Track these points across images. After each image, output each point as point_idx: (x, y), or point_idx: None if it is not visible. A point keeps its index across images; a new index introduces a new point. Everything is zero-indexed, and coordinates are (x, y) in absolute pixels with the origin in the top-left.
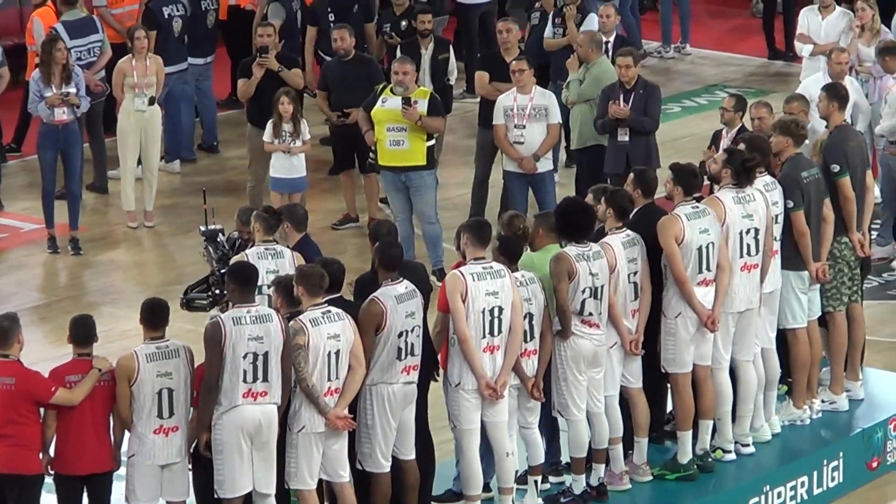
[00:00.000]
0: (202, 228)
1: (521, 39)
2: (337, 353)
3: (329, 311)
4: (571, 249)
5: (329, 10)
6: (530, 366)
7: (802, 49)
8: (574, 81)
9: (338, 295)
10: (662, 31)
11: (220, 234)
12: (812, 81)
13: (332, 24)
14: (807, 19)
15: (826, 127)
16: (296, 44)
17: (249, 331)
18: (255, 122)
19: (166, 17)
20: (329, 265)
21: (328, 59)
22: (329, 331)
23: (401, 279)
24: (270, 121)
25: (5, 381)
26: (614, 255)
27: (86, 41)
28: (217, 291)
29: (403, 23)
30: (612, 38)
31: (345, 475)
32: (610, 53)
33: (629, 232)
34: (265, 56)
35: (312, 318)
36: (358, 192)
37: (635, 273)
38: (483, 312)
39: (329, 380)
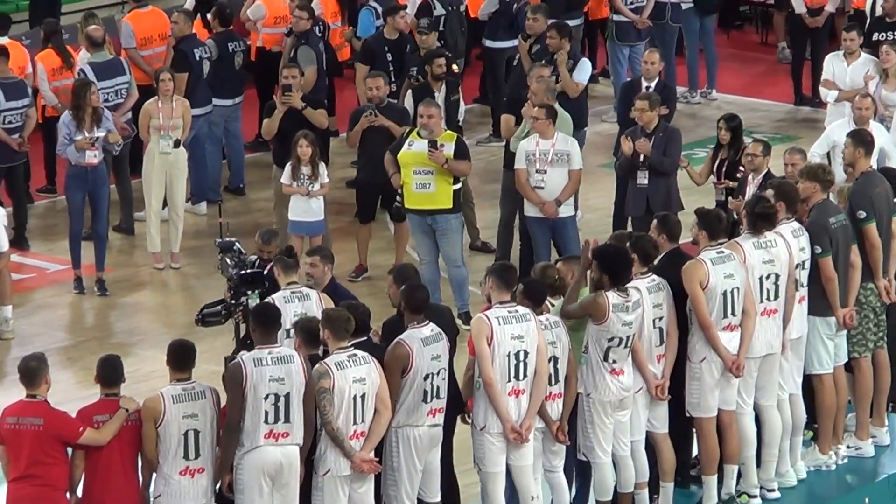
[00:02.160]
0: (217, 240)
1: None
2: (363, 396)
3: (355, 355)
4: (613, 297)
5: (386, 49)
6: (555, 409)
7: (827, 95)
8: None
9: (364, 338)
10: (689, 76)
11: (237, 244)
12: (836, 128)
13: (389, 64)
14: (832, 65)
15: (847, 173)
16: (322, 85)
17: (271, 372)
18: (280, 163)
19: (197, 58)
20: (355, 309)
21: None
22: (354, 374)
23: (427, 322)
24: (289, 163)
25: (33, 421)
26: (642, 300)
27: (113, 83)
28: (232, 301)
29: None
30: (653, 84)
31: None
32: None
33: (654, 277)
34: (288, 94)
35: (338, 361)
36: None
37: (661, 318)
38: (508, 356)
39: (355, 423)
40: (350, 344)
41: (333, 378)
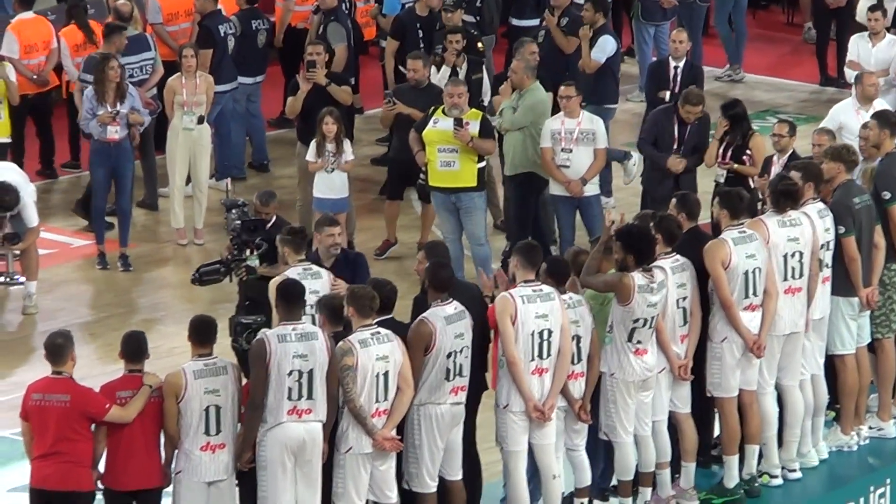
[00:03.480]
0: (222, 200)
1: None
2: (385, 374)
3: (378, 333)
4: (638, 278)
5: (418, 25)
6: (577, 388)
7: (852, 76)
8: (507, 109)
9: (389, 316)
10: (730, 52)
11: (241, 200)
12: (841, 108)
13: (420, 41)
14: (857, 46)
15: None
16: (349, 63)
17: (294, 348)
18: (304, 140)
19: (222, 35)
20: (382, 286)
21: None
22: (378, 352)
23: (450, 300)
24: (314, 140)
25: (60, 398)
26: (665, 279)
27: (138, 59)
28: (230, 257)
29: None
30: (681, 64)
31: (392, 496)
32: (679, 79)
33: (678, 257)
34: (313, 70)
35: (361, 339)
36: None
37: (684, 298)
38: (532, 335)
39: (377, 401)
40: (374, 322)
41: (357, 355)
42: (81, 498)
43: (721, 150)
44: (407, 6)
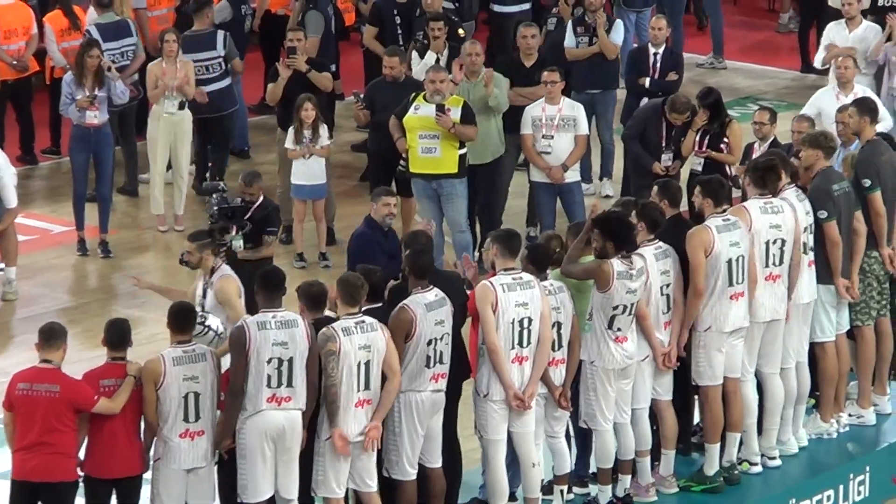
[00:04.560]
0: (203, 184)
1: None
2: (367, 363)
3: (363, 322)
4: (617, 265)
5: (395, 12)
6: (558, 375)
7: (820, 62)
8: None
9: (378, 305)
10: (715, 42)
11: (221, 184)
12: (821, 94)
13: (398, 27)
14: (833, 33)
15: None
16: (330, 50)
17: (274, 336)
18: (285, 127)
19: None
20: (371, 274)
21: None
22: (360, 341)
23: (431, 287)
24: (291, 126)
25: (49, 388)
26: (647, 267)
27: (119, 44)
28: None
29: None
30: (660, 51)
31: (373, 485)
32: (658, 67)
33: (661, 244)
34: (293, 57)
35: (345, 326)
36: None
37: (668, 285)
38: (512, 323)
39: (358, 391)
40: (361, 310)
41: (340, 343)
42: (68, 489)
43: (698, 139)
44: None
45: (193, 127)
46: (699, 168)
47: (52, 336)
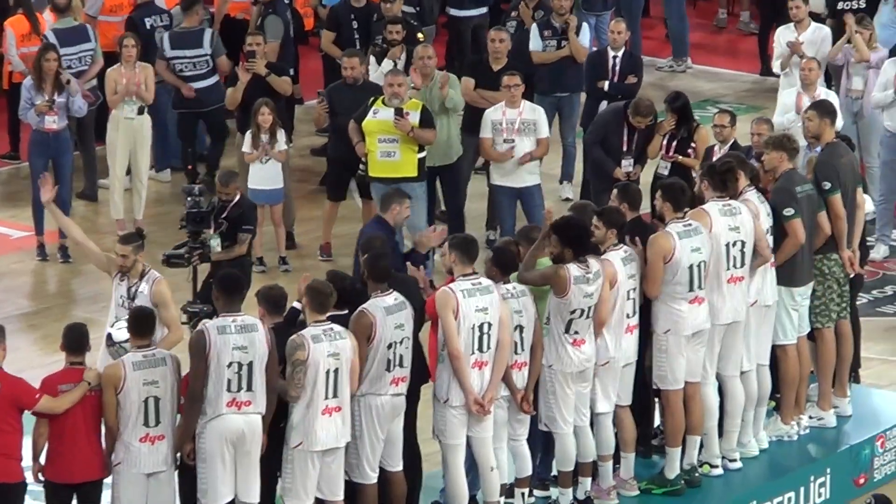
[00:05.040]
0: (183, 186)
1: None
2: (336, 371)
3: (331, 329)
4: (574, 269)
5: (352, 16)
6: (521, 378)
7: (777, 67)
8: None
9: (345, 312)
10: (675, 45)
11: (196, 188)
12: (787, 95)
13: (355, 32)
14: (783, 37)
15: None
16: (288, 54)
17: (234, 340)
18: (244, 131)
19: (148, 27)
20: (340, 280)
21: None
22: (329, 349)
23: (390, 290)
24: (248, 131)
25: None
26: (615, 271)
27: (77, 49)
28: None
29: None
30: (619, 54)
31: (340, 495)
32: (618, 70)
33: (626, 248)
34: (252, 61)
35: (314, 334)
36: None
37: (634, 289)
38: (473, 329)
39: (326, 398)
40: (326, 318)
41: (309, 350)
42: (13, 490)
43: (665, 143)
44: None
45: (185, 125)
46: (665, 172)
47: None
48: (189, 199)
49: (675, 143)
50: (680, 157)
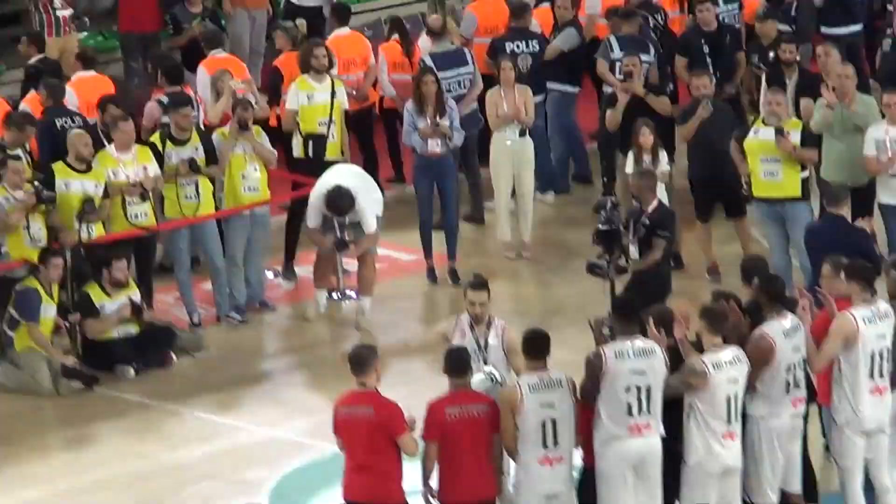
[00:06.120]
0: (599, 199)
1: None
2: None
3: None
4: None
5: (703, 41)
6: None
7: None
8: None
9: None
10: None
11: (610, 200)
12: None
13: (706, 57)
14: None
15: None
16: (665, 73)
17: (631, 365)
18: (625, 152)
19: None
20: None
21: None
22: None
23: (786, 313)
24: (630, 151)
25: (365, 410)
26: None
27: (455, 73)
28: (608, 258)
29: (771, 53)
30: None
31: None
32: None
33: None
34: (630, 81)
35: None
36: None
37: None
38: (872, 356)
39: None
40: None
41: (710, 376)
42: None
43: None
44: None
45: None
46: None
47: (356, 361)
48: (602, 212)
49: None
50: None
